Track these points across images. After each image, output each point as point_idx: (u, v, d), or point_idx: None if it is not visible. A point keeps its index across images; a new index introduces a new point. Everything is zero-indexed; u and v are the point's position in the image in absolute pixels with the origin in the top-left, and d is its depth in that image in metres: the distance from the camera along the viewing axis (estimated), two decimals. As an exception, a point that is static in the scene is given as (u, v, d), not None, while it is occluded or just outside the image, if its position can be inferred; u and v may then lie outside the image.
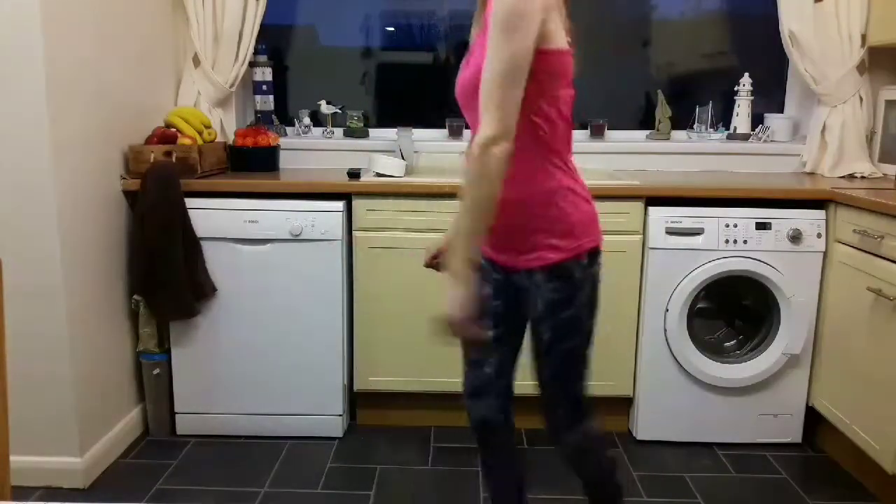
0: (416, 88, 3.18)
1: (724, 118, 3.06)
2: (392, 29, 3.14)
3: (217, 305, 2.44)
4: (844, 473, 2.34)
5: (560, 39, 1.28)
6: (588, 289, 1.41)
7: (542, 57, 1.24)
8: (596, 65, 3.12)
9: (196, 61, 2.76)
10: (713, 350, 2.50)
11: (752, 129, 2.99)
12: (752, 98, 2.95)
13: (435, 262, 1.58)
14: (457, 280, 1.26)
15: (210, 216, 2.39)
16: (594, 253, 1.42)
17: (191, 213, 2.37)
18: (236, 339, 2.47)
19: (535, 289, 1.40)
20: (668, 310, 2.41)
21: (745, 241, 2.37)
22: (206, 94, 2.78)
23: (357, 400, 2.64)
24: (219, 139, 2.78)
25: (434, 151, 2.92)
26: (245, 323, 2.46)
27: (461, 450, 2.46)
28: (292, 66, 3.15)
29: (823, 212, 2.38)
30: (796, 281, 2.39)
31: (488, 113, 1.20)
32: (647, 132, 3.05)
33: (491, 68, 1.21)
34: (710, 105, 3.01)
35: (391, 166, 2.51)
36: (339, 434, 2.54)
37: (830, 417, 2.36)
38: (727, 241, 2.37)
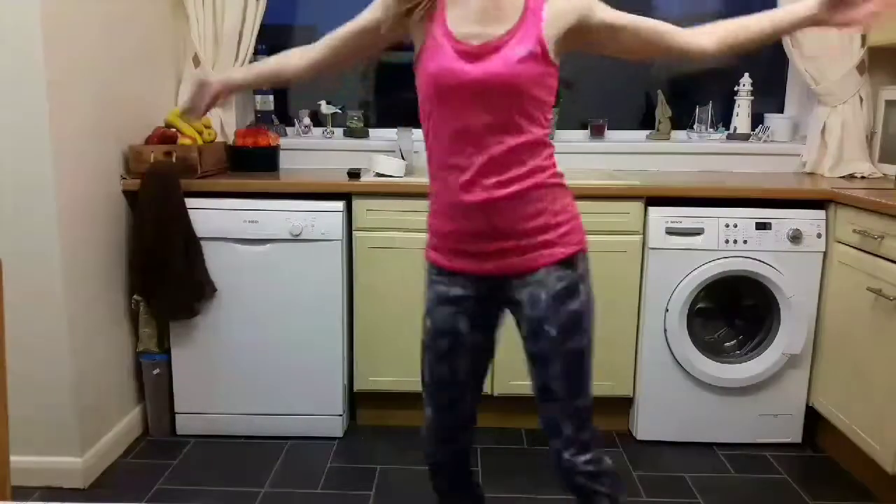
0: (417, 88, 3.18)
1: (724, 118, 3.06)
2: (392, 29, 3.14)
3: (217, 305, 2.44)
4: (844, 473, 2.34)
5: None
6: (589, 283, 1.39)
7: None
8: (596, 65, 3.12)
9: (196, 61, 2.76)
10: (713, 350, 2.50)
11: (752, 129, 2.99)
12: (752, 98, 2.95)
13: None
14: None
15: (210, 216, 2.39)
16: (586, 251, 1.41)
17: (191, 213, 2.37)
18: (236, 339, 2.47)
19: (536, 287, 1.35)
20: (668, 310, 2.41)
21: (745, 241, 2.37)
22: (206, 94, 2.78)
23: (357, 400, 2.64)
24: (219, 139, 2.78)
25: (434, 151, 2.92)
26: (245, 323, 2.46)
27: (461, 450, 2.46)
28: (292, 66, 3.14)
29: (823, 212, 2.38)
30: (796, 281, 2.38)
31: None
32: (647, 132, 3.05)
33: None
34: (710, 105, 3.01)
35: (391, 166, 2.50)
36: (339, 434, 2.54)
37: (830, 417, 2.36)
38: (727, 242, 2.37)
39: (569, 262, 1.34)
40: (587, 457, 1.37)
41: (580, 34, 1.32)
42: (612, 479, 1.40)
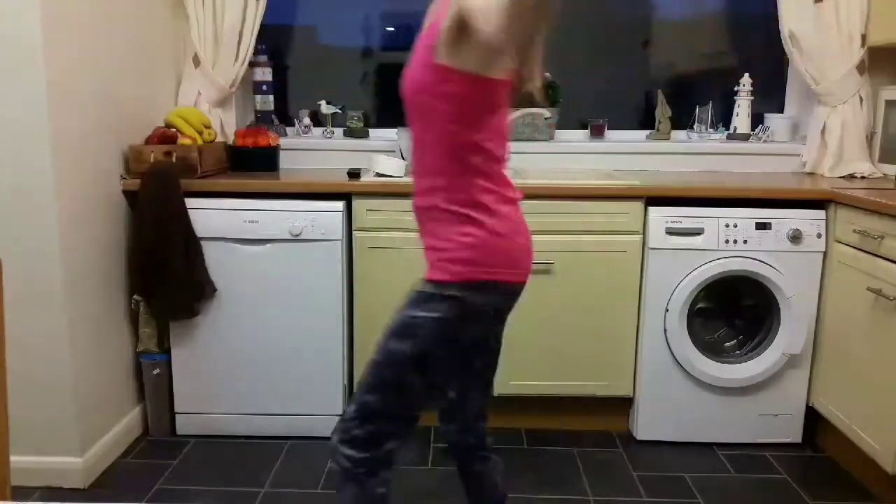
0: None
1: (724, 118, 3.06)
2: (392, 29, 3.14)
3: (217, 305, 2.44)
4: (844, 473, 2.34)
5: None
6: (449, 317, 1.34)
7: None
8: (596, 65, 3.13)
9: (196, 61, 2.76)
10: (713, 350, 2.50)
11: (752, 129, 2.99)
12: (752, 98, 2.95)
13: None
14: None
15: (210, 216, 2.39)
16: None
17: (191, 213, 2.37)
18: (236, 339, 2.47)
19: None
20: (668, 310, 2.41)
21: (745, 241, 2.37)
22: (206, 94, 2.78)
23: (357, 400, 2.64)
24: (219, 139, 2.78)
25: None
26: (245, 323, 2.46)
27: (461, 450, 2.46)
28: (292, 66, 3.15)
29: (823, 212, 2.38)
30: (796, 281, 2.38)
31: None
32: (647, 132, 3.05)
33: None
34: (710, 105, 3.01)
35: (391, 166, 2.50)
36: (339, 434, 2.53)
37: (830, 417, 2.36)
38: (727, 241, 2.37)
39: (437, 284, 1.30)
40: (347, 451, 1.32)
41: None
42: (346, 490, 1.34)
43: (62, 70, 2.04)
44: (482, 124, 1.27)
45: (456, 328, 1.30)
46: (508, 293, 1.34)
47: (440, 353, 1.30)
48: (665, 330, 2.43)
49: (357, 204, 2.43)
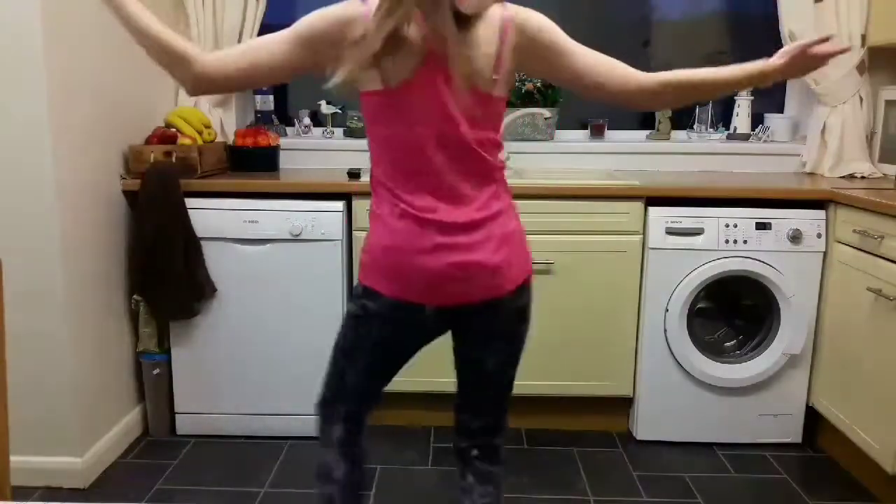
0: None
1: (724, 118, 3.06)
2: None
3: (217, 305, 2.44)
4: (844, 473, 2.34)
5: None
6: (350, 312, 1.43)
7: None
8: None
9: (196, 61, 2.76)
10: (713, 350, 2.50)
11: (752, 129, 2.99)
12: (752, 98, 2.95)
13: None
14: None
15: (210, 216, 2.39)
16: None
17: (191, 213, 2.37)
18: (236, 339, 2.46)
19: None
20: (668, 310, 2.41)
21: (745, 241, 2.37)
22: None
23: (357, 400, 2.64)
24: (219, 139, 2.78)
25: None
26: (245, 323, 2.46)
27: (461, 450, 2.46)
28: (292, 66, 3.14)
29: (823, 212, 2.38)
30: (796, 281, 2.39)
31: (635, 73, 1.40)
32: (647, 132, 3.05)
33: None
34: (710, 105, 3.01)
35: (391, 166, 2.50)
36: (339, 434, 2.53)
37: (830, 417, 2.36)
38: (727, 242, 2.37)
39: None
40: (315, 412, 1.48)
41: None
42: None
43: (62, 70, 2.04)
44: (372, 136, 1.31)
45: (353, 324, 1.39)
46: (395, 307, 1.31)
47: (347, 343, 1.40)
48: (665, 330, 2.43)
49: (357, 204, 2.43)
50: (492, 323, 1.37)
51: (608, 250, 2.42)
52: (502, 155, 1.38)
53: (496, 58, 1.25)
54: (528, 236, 1.40)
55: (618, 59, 1.40)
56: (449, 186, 1.28)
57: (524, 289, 1.37)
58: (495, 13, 1.26)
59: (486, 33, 1.25)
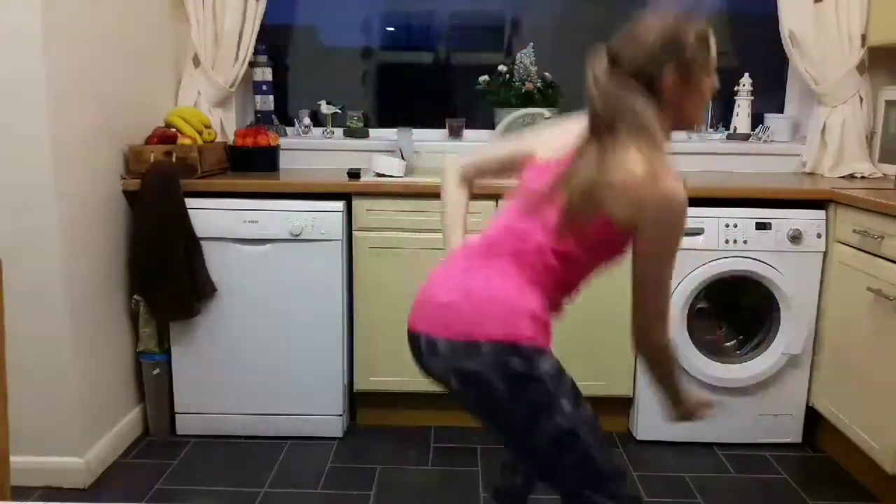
0: (416, 88, 3.18)
1: (724, 118, 3.06)
2: (392, 29, 3.14)
3: (217, 305, 2.44)
4: (844, 473, 2.34)
5: None
6: None
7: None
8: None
9: (196, 61, 2.76)
10: (713, 350, 2.50)
11: (752, 129, 2.99)
12: (752, 98, 2.95)
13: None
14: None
15: (210, 216, 2.39)
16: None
17: (191, 213, 2.37)
18: (236, 339, 2.47)
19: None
20: (668, 310, 2.41)
21: (745, 241, 2.37)
22: (206, 94, 2.78)
23: (357, 400, 2.64)
24: (219, 139, 2.78)
25: (434, 151, 2.92)
26: (245, 323, 2.46)
27: (461, 450, 2.46)
28: (292, 66, 3.15)
29: (823, 212, 2.38)
30: (796, 281, 2.38)
31: (662, 321, 1.30)
32: (647, 132, 3.04)
33: (659, 271, 1.28)
34: (710, 105, 3.01)
35: (391, 166, 2.51)
36: (339, 434, 2.54)
37: (830, 417, 2.36)
38: (727, 242, 2.37)
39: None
40: None
41: None
42: None
43: (62, 70, 2.04)
44: None
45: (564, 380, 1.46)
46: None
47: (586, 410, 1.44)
48: (665, 330, 2.42)
49: (357, 204, 2.43)
50: (433, 365, 1.31)
51: (608, 250, 2.42)
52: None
53: None
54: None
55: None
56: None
57: (477, 351, 1.23)
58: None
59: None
